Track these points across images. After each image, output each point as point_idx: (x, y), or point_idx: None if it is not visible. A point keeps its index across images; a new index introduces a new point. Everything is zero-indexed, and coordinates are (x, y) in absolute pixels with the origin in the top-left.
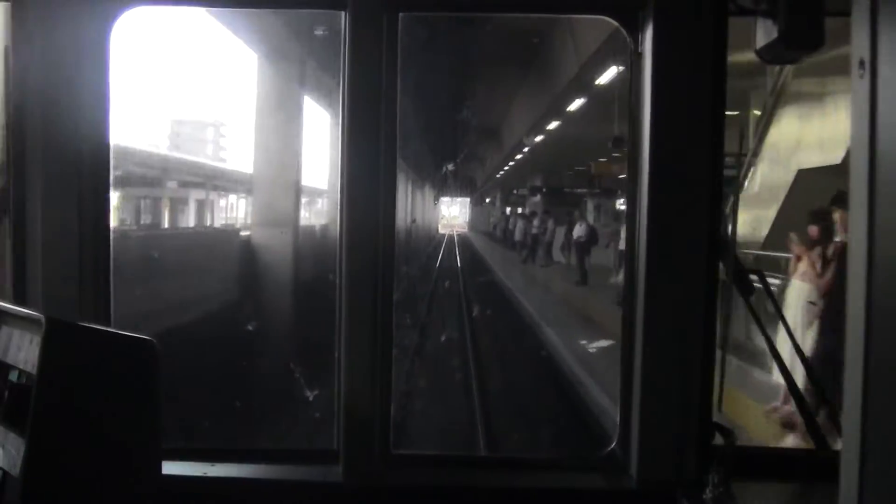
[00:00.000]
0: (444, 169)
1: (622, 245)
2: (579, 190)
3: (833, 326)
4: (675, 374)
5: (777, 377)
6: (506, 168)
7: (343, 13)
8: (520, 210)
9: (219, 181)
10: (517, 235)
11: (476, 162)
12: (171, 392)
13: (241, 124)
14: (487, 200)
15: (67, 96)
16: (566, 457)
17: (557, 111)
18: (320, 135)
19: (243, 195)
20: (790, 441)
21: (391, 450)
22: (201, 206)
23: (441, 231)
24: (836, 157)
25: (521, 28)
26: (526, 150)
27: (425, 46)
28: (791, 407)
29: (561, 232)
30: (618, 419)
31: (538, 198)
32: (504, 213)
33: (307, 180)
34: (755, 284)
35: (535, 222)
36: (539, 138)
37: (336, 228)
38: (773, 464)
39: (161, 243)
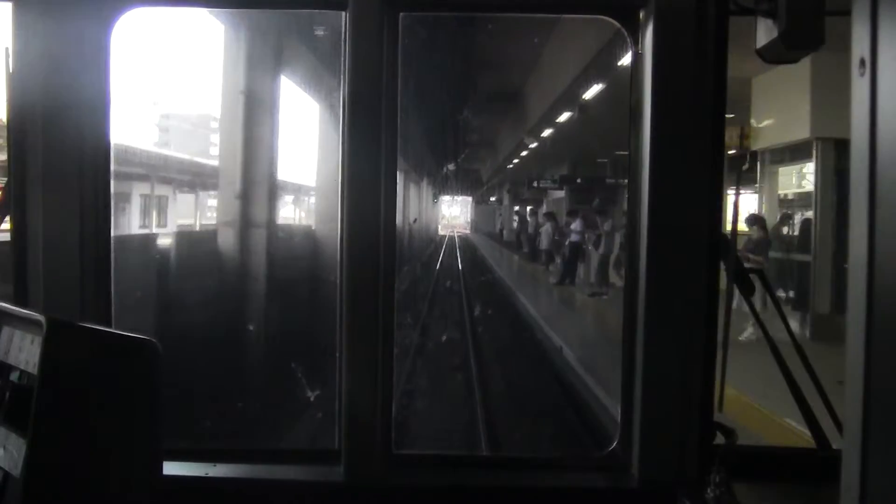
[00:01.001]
0: (444, 164)
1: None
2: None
3: None
4: (676, 374)
5: None
6: (521, 155)
7: (343, 13)
8: (536, 208)
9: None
10: (544, 243)
11: (481, 151)
12: None
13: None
14: (493, 198)
15: (68, 97)
16: (567, 456)
17: (603, 69)
18: None
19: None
20: None
21: (393, 450)
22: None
23: (441, 232)
24: None
25: None
26: (555, 125)
27: None
28: None
29: (607, 240)
30: (619, 419)
31: (566, 192)
32: (518, 212)
33: None
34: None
35: (576, 226)
36: (577, 106)
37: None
38: (774, 463)
39: None
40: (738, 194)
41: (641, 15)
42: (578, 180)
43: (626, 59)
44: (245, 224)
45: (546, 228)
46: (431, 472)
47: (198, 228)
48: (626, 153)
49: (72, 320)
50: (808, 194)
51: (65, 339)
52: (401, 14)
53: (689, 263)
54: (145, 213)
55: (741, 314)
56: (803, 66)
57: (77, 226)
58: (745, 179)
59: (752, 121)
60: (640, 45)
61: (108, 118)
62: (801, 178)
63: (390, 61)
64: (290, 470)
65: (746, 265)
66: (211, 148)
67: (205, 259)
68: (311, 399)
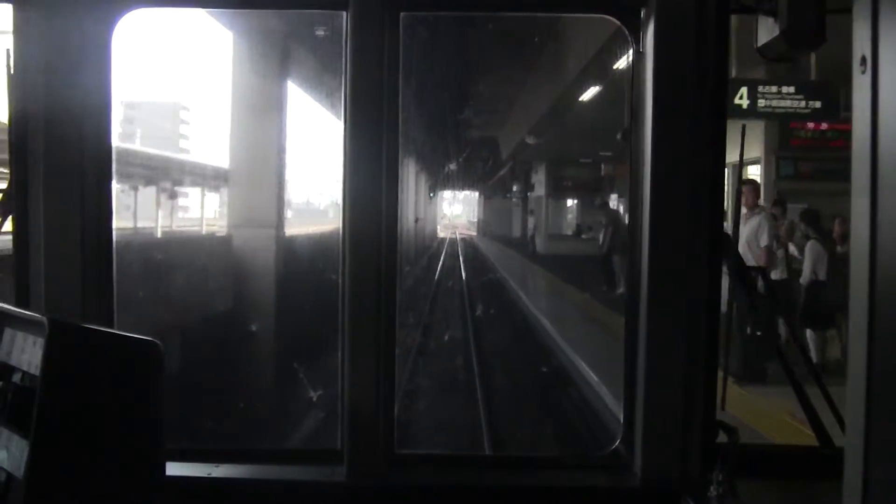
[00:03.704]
0: (445, 152)
1: None
2: None
3: None
4: (679, 373)
5: None
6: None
7: (344, 13)
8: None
9: None
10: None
11: (493, 129)
12: None
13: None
14: (514, 189)
15: (69, 98)
16: (570, 455)
17: None
18: None
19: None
20: None
21: (395, 449)
22: None
23: (440, 234)
24: None
25: None
26: None
27: None
28: None
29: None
30: (621, 418)
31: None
32: (603, 204)
33: None
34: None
35: None
36: None
37: None
38: (777, 461)
39: None
40: (739, 192)
41: (642, 14)
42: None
43: None
44: None
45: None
46: (434, 472)
47: None
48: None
49: (74, 321)
50: None
51: (67, 341)
52: (401, 14)
53: (690, 262)
54: None
55: None
56: None
57: (78, 226)
58: None
59: None
60: (640, 44)
61: (109, 119)
62: None
63: (392, 61)
64: (292, 470)
65: None
66: (181, 141)
67: None
68: None
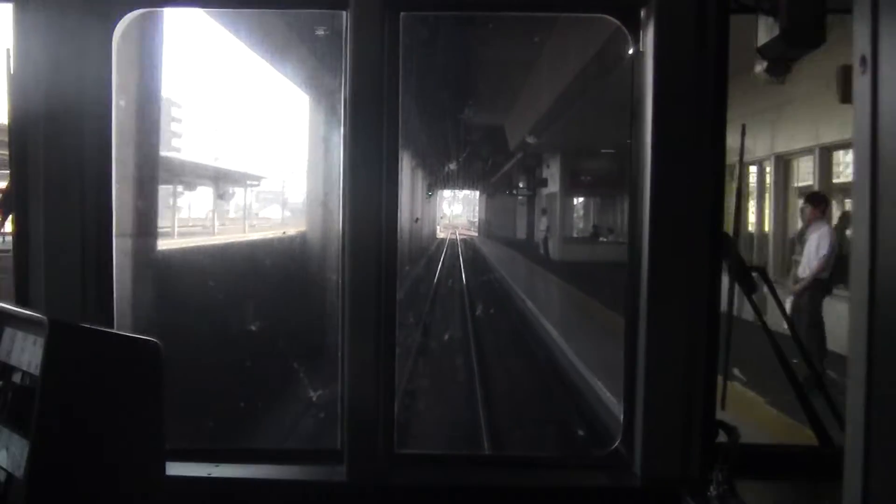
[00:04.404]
0: (444, 145)
1: None
2: None
3: None
4: (679, 372)
5: None
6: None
7: (344, 13)
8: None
9: None
10: None
11: (498, 117)
12: None
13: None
14: (521, 186)
15: (70, 98)
16: (570, 455)
17: None
18: None
19: None
20: None
21: (395, 449)
22: None
23: (440, 235)
24: None
25: None
26: None
27: None
28: None
29: None
30: (621, 417)
31: None
32: None
33: None
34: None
35: None
36: None
37: None
38: (777, 461)
39: None
40: (740, 192)
41: (642, 13)
42: None
43: None
44: None
45: None
46: (433, 472)
47: None
48: None
49: (74, 321)
50: None
51: (67, 340)
52: (402, 14)
53: (691, 261)
54: None
55: None
56: None
57: (78, 226)
58: None
59: None
60: (641, 44)
61: (110, 120)
62: None
63: (392, 61)
64: (292, 470)
65: None
66: (173, 139)
67: None
68: None
